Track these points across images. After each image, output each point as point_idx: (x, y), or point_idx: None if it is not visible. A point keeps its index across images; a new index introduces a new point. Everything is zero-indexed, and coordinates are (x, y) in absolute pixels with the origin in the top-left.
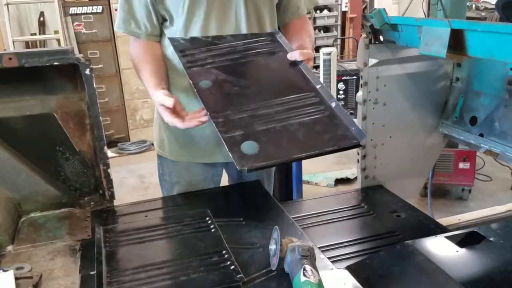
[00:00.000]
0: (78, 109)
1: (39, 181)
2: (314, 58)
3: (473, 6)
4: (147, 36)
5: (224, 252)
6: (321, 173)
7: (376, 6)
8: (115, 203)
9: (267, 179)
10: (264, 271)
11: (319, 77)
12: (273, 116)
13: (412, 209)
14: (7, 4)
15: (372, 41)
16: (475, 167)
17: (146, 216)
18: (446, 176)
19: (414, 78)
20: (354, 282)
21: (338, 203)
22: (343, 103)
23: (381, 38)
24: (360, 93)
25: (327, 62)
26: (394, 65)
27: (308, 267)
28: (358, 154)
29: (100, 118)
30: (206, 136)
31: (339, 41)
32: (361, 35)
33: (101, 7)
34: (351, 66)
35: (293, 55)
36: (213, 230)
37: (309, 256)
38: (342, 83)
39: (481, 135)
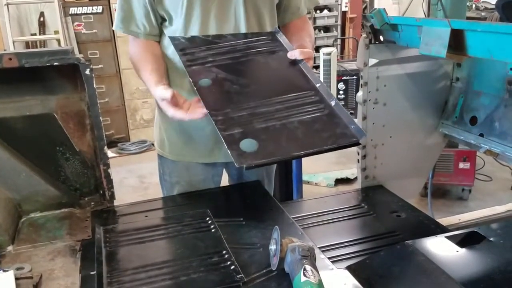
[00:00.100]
0: (78, 109)
1: (39, 181)
2: (314, 58)
3: (473, 6)
4: (146, 35)
5: (224, 252)
6: (321, 173)
7: (376, 6)
8: (115, 203)
9: (267, 179)
10: (264, 271)
11: (319, 77)
12: (273, 114)
13: (412, 209)
14: (7, 4)
15: (372, 41)
16: (475, 167)
17: (146, 216)
18: (446, 176)
19: (414, 78)
20: (354, 282)
21: (338, 203)
22: (343, 103)
23: (381, 38)
24: (360, 93)
25: (327, 62)
26: (394, 65)
27: (308, 267)
28: (358, 154)
29: (100, 118)
30: (206, 135)
31: (339, 41)
32: (361, 35)
33: (101, 7)
34: (351, 66)
35: (293, 54)
36: (213, 230)
37: (309, 256)
38: (342, 83)
39: (481, 135)
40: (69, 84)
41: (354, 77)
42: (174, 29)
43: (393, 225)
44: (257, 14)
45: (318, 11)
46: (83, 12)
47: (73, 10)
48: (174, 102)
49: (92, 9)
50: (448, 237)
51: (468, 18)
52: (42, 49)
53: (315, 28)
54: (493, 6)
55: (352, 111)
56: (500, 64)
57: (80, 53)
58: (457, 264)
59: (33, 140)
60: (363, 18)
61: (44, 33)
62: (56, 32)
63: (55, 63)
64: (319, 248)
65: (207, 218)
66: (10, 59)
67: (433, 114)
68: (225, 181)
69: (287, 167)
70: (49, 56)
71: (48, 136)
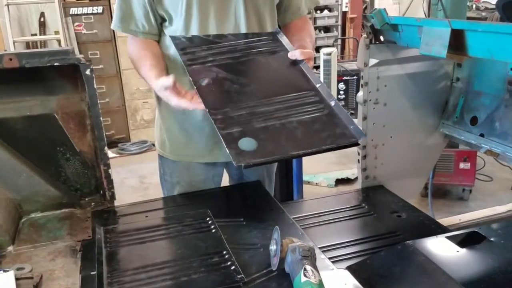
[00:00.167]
0: (79, 109)
1: (40, 182)
2: (315, 58)
3: (474, 6)
4: (145, 34)
5: (224, 252)
6: (321, 173)
7: (376, 6)
8: (116, 203)
9: (268, 179)
10: (264, 271)
11: (319, 77)
12: (272, 114)
13: (412, 209)
14: (8, 5)
15: (373, 41)
16: (476, 167)
17: (147, 216)
18: (447, 176)
19: (415, 78)
20: (355, 282)
21: (338, 203)
22: (343, 103)
23: (382, 38)
24: (360, 93)
25: (327, 62)
26: (395, 65)
27: (308, 268)
28: (359, 154)
29: (101, 118)
30: (206, 135)
31: (339, 41)
32: (361, 35)
33: (101, 7)
34: (351, 66)
35: (294, 54)
36: (213, 231)
37: (309, 257)
38: (342, 83)
39: (482, 135)
40: (70, 85)
41: (355, 77)
42: (174, 29)
43: (393, 225)
44: (257, 14)
45: (318, 11)
46: (83, 12)
47: (73, 10)
48: (177, 91)
49: (93, 10)
50: (448, 237)
51: (468, 18)
52: (43, 49)
53: (315, 28)
54: (494, 6)
55: (352, 111)
56: (500, 64)
57: (80, 53)
58: (458, 264)
59: (33, 141)
60: (364, 18)
61: (44, 34)
62: (57, 33)
63: (55, 64)
64: (320, 248)
65: (208, 219)
66: (11, 59)
67: (434, 114)
68: (225, 181)
69: (288, 167)
70: (50, 56)
71: (48, 137)
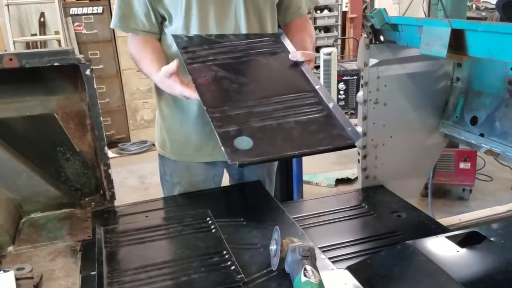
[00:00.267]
0: (79, 109)
1: (40, 182)
2: (315, 58)
3: (474, 6)
4: (145, 32)
5: (224, 252)
6: (321, 173)
7: (376, 6)
8: (116, 203)
9: (268, 179)
10: (264, 271)
11: (319, 77)
12: (270, 114)
13: (412, 209)
14: (8, 5)
15: (373, 41)
16: (476, 167)
17: (147, 216)
18: (447, 176)
19: (415, 78)
20: (355, 282)
21: (338, 203)
22: (343, 103)
23: (382, 38)
24: (360, 93)
25: (327, 62)
26: (395, 65)
27: (308, 268)
28: (359, 154)
29: (101, 118)
30: (206, 134)
31: (339, 41)
32: (361, 35)
33: (101, 7)
34: (351, 66)
35: (295, 56)
36: (213, 231)
37: (309, 256)
38: (342, 83)
39: (482, 135)
40: (70, 85)
41: (355, 77)
42: (175, 28)
43: (393, 225)
44: (258, 14)
45: (318, 11)
46: (83, 12)
47: (73, 10)
48: (180, 79)
49: (93, 10)
50: (448, 237)
51: (468, 18)
52: (43, 49)
53: (315, 28)
54: (494, 6)
55: (352, 111)
56: (500, 64)
57: (80, 53)
58: (458, 264)
59: (33, 141)
60: (364, 18)
61: (44, 34)
62: (57, 33)
63: (55, 64)
64: (320, 248)
65: (208, 218)
66: (11, 59)
67: (434, 114)
68: (226, 181)
69: (288, 167)
70: (50, 56)
71: (48, 137)
